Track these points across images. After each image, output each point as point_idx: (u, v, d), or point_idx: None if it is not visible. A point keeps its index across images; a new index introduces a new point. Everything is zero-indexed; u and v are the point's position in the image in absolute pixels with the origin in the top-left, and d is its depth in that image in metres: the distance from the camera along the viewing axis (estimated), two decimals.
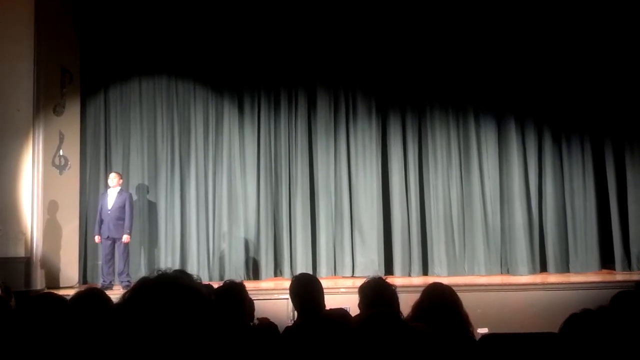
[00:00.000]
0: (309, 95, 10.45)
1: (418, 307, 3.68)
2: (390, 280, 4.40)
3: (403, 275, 9.79)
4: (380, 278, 4.15)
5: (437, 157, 10.15)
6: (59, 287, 9.03)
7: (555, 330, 3.97)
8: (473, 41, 10.04)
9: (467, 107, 10.18)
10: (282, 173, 10.34)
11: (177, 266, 9.44)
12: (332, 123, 10.38)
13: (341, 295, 7.84)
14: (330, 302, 4.20)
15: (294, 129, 10.42)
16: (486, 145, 10.11)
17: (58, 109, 9.51)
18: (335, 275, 10.02)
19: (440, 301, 3.61)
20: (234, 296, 3.78)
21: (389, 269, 9.94)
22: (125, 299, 1.22)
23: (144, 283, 1.23)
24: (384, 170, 10.25)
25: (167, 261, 9.88)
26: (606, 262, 9.62)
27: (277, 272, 10.15)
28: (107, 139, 10.25)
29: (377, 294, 3.73)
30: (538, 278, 9.23)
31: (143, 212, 10.08)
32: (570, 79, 9.83)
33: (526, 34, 9.90)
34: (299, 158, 10.33)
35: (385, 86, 10.35)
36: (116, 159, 10.20)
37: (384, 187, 10.19)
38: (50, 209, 9.22)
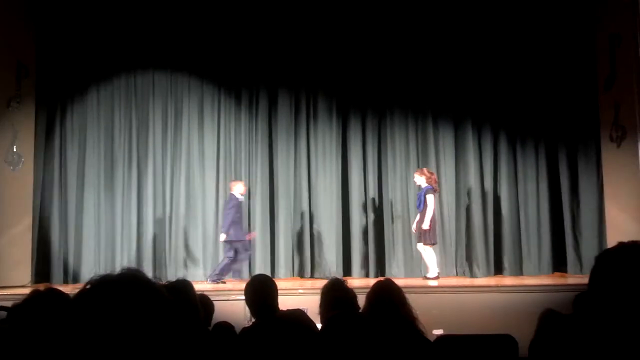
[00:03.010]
0: (270, 96, 10.45)
1: (366, 302, 3.77)
2: (349, 280, 4.44)
3: (360, 276, 9.85)
4: (337, 279, 4.19)
5: (395, 159, 10.25)
6: (9, 286, 8.83)
7: (509, 331, 4.06)
8: (432, 48, 10.16)
9: (426, 111, 10.30)
10: (242, 173, 10.32)
11: (133, 264, 9.31)
12: (293, 124, 10.40)
13: (299, 296, 7.85)
14: (289, 303, 4.21)
15: (254, 129, 10.41)
16: (444, 150, 10.24)
17: (12, 104, 9.29)
18: (293, 276, 10.03)
19: (384, 295, 3.70)
20: (178, 295, 3.74)
21: (347, 269, 10.00)
22: (83, 292, 1.21)
23: (104, 278, 1.23)
24: (344, 172, 10.30)
25: (123, 259, 9.75)
26: (558, 265, 9.82)
27: (235, 272, 10.09)
28: (63, 134, 10.06)
29: (336, 296, 3.77)
30: (492, 280, 9.37)
31: (99, 209, 9.93)
32: (526, 86, 10.01)
33: (484, 44, 10.05)
34: (259, 158, 10.32)
35: (346, 89, 10.41)
36: (72, 155, 10.02)
37: (343, 188, 10.25)
38: (2, 206, 9.00)
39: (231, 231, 9.12)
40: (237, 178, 10.29)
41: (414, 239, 9.95)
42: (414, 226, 9.26)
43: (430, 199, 8.96)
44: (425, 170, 9.33)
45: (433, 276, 9.00)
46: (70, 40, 9.99)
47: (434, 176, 9.32)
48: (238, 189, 9.38)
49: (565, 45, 9.79)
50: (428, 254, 9.08)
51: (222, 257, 9.38)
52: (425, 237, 8.99)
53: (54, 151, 9.99)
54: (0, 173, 9.00)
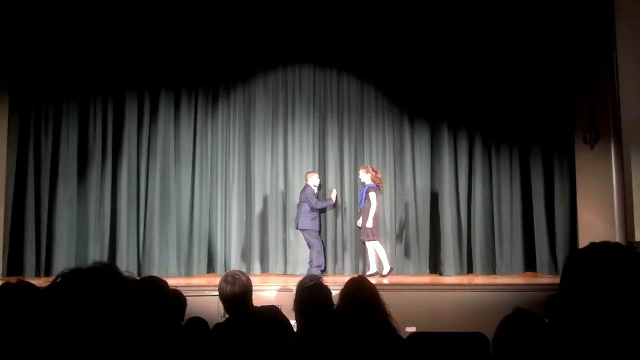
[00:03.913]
0: (248, 92, 10.42)
1: (340, 299, 3.79)
2: (324, 277, 4.45)
3: (335, 274, 9.87)
4: (313, 276, 4.20)
5: (372, 159, 10.27)
6: None
7: (481, 329, 4.10)
8: (409, 50, 10.19)
9: (402, 112, 10.34)
10: (218, 169, 10.29)
11: (106, 260, 9.23)
12: (270, 121, 10.39)
13: (273, 292, 7.86)
14: (263, 299, 4.20)
15: (231, 125, 10.37)
16: (420, 150, 10.29)
17: None
18: (268, 272, 10.03)
19: (358, 292, 3.72)
20: (151, 290, 3.72)
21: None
22: (54, 284, 1.20)
23: (75, 271, 1.22)
24: (321, 169, 10.31)
25: (96, 254, 9.65)
26: (530, 265, 9.92)
27: (210, 268, 10.09)
28: (37, 128, 9.92)
29: (311, 293, 3.78)
30: (465, 279, 9.45)
31: (73, 203, 9.82)
32: (501, 89, 10.08)
33: (460, 47, 10.09)
34: (236, 154, 10.30)
35: (324, 88, 10.43)
36: (45, 148, 9.89)
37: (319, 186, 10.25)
38: None
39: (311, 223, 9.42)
40: (214, 174, 10.27)
41: (388, 236, 10.02)
42: (359, 222, 9.47)
43: (373, 197, 9.16)
44: (370, 167, 9.52)
45: (385, 272, 9.12)
46: (46, 36, 9.83)
47: (379, 175, 9.49)
48: (313, 181, 9.60)
49: (541, 49, 9.86)
50: (379, 250, 9.23)
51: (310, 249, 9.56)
52: (368, 234, 9.14)
53: (28, 144, 9.84)
54: None
